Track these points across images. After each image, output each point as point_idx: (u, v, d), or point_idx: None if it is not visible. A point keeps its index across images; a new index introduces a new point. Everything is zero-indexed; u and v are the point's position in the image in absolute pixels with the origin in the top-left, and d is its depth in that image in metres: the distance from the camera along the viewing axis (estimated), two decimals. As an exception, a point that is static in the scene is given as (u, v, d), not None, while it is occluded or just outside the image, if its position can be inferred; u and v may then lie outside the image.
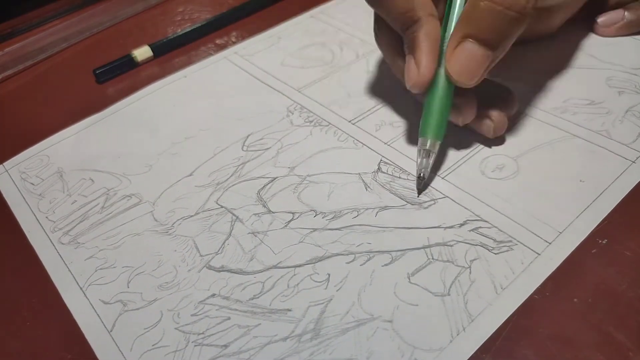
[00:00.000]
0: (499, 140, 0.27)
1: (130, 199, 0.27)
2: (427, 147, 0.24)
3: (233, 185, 0.27)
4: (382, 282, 0.22)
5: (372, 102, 0.31)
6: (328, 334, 0.20)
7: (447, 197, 0.25)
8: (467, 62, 0.23)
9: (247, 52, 0.37)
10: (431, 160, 0.25)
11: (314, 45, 0.37)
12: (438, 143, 0.24)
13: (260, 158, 0.28)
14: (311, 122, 0.30)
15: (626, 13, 0.32)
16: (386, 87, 0.32)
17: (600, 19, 0.33)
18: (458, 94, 0.24)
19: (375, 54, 0.35)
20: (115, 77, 0.37)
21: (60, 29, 0.42)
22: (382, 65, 0.34)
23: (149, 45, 0.38)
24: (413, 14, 0.24)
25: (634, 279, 0.21)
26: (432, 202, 0.24)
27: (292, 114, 0.31)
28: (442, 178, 0.25)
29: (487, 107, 0.26)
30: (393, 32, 0.26)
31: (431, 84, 0.24)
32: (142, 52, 0.38)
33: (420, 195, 0.25)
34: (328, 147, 0.28)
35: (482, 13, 0.22)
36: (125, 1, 0.45)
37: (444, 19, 0.25)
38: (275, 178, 0.27)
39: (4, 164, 0.31)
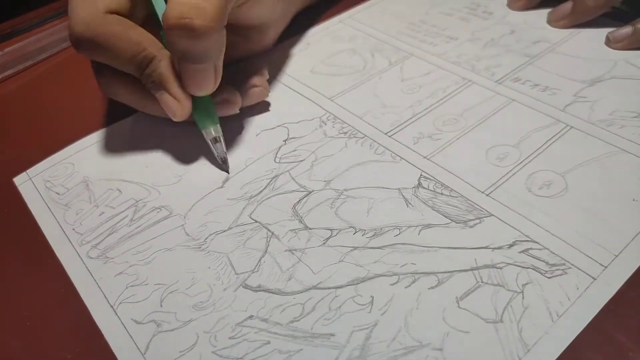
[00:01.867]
0: (544, 155, 0.26)
1: (160, 212, 0.26)
2: (214, 135, 0.27)
3: (267, 198, 0.26)
4: (430, 306, 0.20)
5: (408, 113, 0.30)
6: (375, 362, 0.19)
7: (493, 215, 0.23)
8: (193, 79, 0.24)
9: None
10: (223, 143, 0.27)
11: (345, 51, 0.36)
12: (218, 126, 0.27)
13: (294, 170, 0.27)
14: (345, 133, 0.29)
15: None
16: (422, 96, 0.31)
17: (612, 34, 0.32)
18: (220, 91, 0.27)
19: (409, 61, 0.34)
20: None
21: (60, 28, 0.42)
22: (417, 73, 0.33)
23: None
24: (147, 53, 0.24)
25: (634, 278, 0.20)
26: (478, 220, 0.23)
27: (325, 124, 0.30)
28: (487, 195, 0.24)
29: (248, 79, 0.29)
30: (122, 76, 0.26)
31: None
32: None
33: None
34: (365, 160, 0.27)
35: (167, 36, 0.23)
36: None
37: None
38: (310, 192, 0.26)
39: (28, 171, 0.30)
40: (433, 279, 0.21)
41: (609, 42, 0.32)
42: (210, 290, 0.22)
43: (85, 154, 0.30)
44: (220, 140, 0.27)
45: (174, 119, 0.26)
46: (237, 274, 0.23)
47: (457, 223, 0.23)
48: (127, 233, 0.25)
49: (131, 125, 0.32)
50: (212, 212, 0.26)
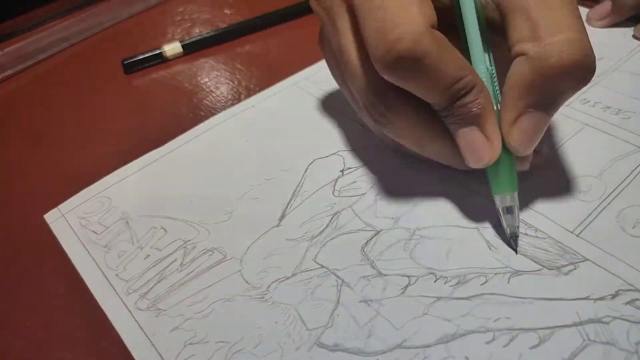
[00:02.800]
0: (632, 187, 0.24)
1: (213, 255, 0.24)
2: (508, 204, 0.22)
3: (331, 239, 0.24)
4: (536, 370, 0.18)
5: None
6: None
7: (588, 259, 0.21)
8: (529, 132, 0.20)
9: (319, 77, 0.34)
10: (516, 214, 0.22)
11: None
12: (516, 194, 0.22)
13: (357, 205, 0.25)
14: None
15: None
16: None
17: (591, 13, 0.35)
18: None
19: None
20: (142, 70, 0.37)
21: (60, 28, 0.41)
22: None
23: (180, 42, 0.38)
24: (470, 80, 0.19)
25: None
26: (572, 266, 0.21)
27: (386, 152, 0.27)
28: (577, 235, 0.22)
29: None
30: (411, 107, 0.21)
31: None
32: (172, 48, 0.38)
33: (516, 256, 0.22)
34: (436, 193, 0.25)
35: (549, 80, 0.19)
36: (125, 1, 0.44)
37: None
38: (379, 231, 0.24)
39: (60, 207, 0.27)
40: (533, 336, 0.19)
41: (590, 20, 0.35)
42: (280, 349, 0.20)
43: (122, 187, 0.28)
44: (514, 212, 0.22)
45: (474, 165, 0.21)
46: (308, 329, 0.20)
47: (549, 269, 0.21)
48: (178, 280, 0.23)
49: (171, 152, 0.30)
50: (271, 255, 0.23)
